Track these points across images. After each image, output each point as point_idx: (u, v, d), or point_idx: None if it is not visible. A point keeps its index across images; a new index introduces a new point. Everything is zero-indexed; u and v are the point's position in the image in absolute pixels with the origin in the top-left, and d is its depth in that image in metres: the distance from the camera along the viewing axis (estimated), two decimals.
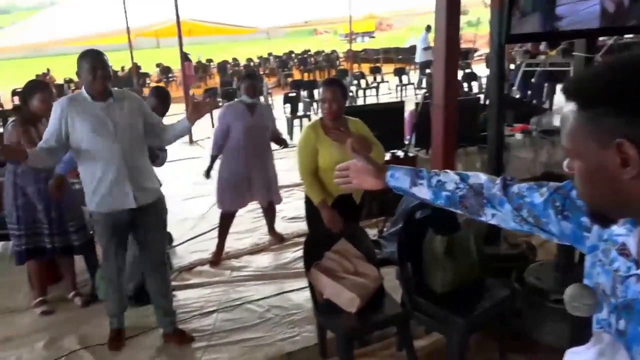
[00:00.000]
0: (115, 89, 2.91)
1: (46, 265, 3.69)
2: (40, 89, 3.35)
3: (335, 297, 2.66)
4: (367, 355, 2.94)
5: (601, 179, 0.78)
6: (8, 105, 13.78)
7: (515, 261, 3.38)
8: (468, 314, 2.51)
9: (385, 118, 4.47)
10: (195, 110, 2.85)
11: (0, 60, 15.90)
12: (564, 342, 2.87)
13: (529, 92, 8.86)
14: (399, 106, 4.68)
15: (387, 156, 4.63)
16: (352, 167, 1.38)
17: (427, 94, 4.36)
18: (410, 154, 4.65)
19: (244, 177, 4.22)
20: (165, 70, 18.18)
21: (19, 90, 15.11)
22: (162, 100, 3.95)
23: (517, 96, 8.55)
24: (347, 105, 4.19)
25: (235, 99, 4.48)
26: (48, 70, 17.39)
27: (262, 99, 9.54)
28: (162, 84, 16.84)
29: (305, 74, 16.85)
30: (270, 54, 22.18)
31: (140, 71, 14.36)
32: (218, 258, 4.32)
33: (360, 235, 2.93)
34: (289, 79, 15.28)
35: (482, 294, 2.68)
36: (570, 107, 0.81)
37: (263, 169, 4.26)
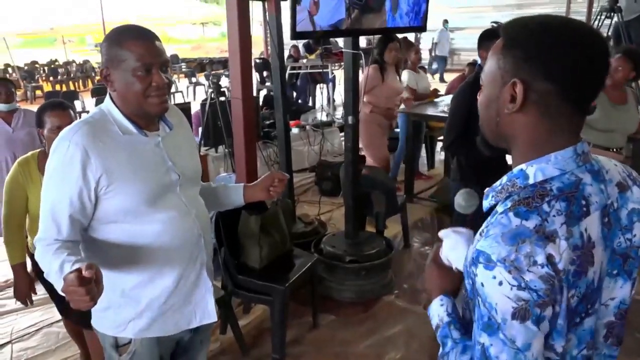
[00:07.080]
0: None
1: None
2: None
3: None
4: None
5: (493, 109, 0.94)
6: None
7: (311, 236, 3.82)
8: (286, 281, 2.79)
9: None
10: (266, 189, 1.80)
11: None
12: (360, 295, 3.40)
13: (295, 93, 9.67)
14: (185, 107, 4.73)
15: None
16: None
17: (212, 92, 4.48)
18: (201, 153, 4.75)
19: None
20: None
21: None
22: None
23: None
24: None
25: None
26: None
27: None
28: None
29: (58, 85, 15.36)
30: (7, 65, 19.31)
31: None
32: None
33: None
34: (38, 92, 14.13)
35: (294, 264, 2.99)
36: None
37: None
